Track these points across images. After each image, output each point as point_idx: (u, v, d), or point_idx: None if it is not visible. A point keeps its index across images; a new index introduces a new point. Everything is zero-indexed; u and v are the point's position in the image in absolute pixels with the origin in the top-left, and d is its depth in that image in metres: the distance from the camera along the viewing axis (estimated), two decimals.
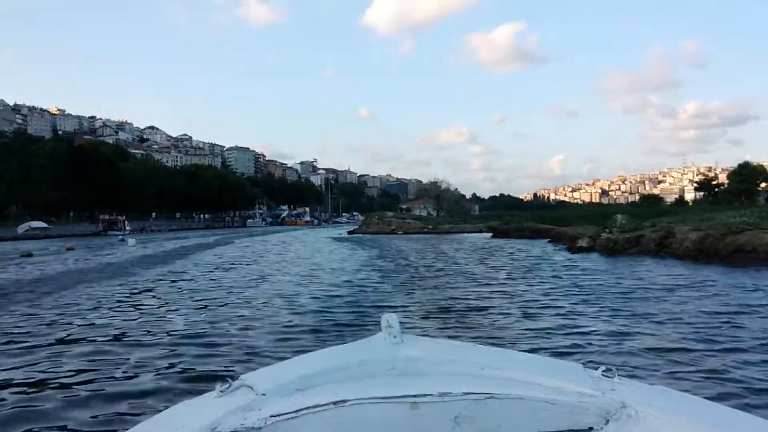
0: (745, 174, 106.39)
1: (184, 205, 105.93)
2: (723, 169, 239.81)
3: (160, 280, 16.36)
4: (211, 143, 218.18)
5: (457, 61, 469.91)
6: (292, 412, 1.35)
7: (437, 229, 58.91)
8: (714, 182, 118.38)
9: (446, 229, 58.82)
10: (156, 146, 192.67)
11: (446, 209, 69.23)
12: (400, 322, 1.77)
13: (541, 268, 18.71)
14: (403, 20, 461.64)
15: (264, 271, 18.55)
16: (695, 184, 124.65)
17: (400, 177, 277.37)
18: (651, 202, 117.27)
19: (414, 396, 1.40)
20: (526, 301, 10.96)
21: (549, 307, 10.15)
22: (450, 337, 7.27)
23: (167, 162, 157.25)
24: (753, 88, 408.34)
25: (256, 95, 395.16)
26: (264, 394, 1.44)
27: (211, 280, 15.99)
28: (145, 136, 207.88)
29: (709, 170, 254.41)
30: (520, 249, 29.42)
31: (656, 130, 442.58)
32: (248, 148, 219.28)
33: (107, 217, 75.81)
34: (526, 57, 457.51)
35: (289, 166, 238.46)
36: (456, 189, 74.74)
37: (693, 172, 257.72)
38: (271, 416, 1.34)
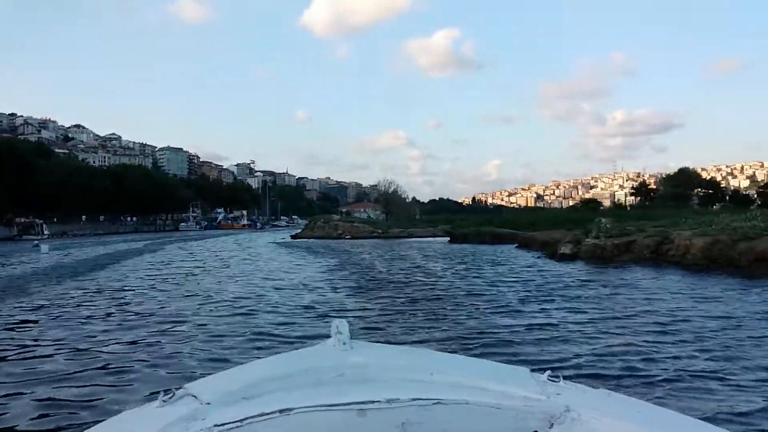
0: (681, 179, 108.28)
1: (111, 207, 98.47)
2: (650, 175, 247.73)
3: (57, 302, 12.14)
4: (142, 143, 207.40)
5: (394, 65, 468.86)
6: (237, 422, 1.31)
7: (388, 234, 55.48)
8: (649, 187, 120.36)
9: (397, 234, 55.46)
10: (82, 146, 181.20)
11: (396, 213, 65.94)
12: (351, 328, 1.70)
13: (553, 286, 15.39)
14: (340, 23, 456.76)
15: (200, 289, 14.55)
16: (632, 189, 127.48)
17: (339, 180, 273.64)
18: (591, 206, 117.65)
19: (361, 403, 1.38)
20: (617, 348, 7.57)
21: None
22: None
23: (94, 162, 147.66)
24: (677, 98, 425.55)
25: (189, 95, 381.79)
26: (208, 403, 1.40)
27: (122, 306, 11.86)
28: (70, 135, 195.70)
29: (638, 176, 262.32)
30: (496, 257, 26.18)
31: (587, 136, 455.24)
32: (181, 149, 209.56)
33: (23, 220, 68.79)
34: (463, 63, 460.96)
35: (225, 167, 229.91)
36: (405, 193, 71.42)
37: (623, 177, 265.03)
38: (215, 426, 1.30)
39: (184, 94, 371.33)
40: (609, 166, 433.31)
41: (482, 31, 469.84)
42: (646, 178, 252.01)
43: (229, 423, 1.30)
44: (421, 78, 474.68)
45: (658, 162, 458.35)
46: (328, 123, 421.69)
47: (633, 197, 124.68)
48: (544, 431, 1.43)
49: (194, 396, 1.46)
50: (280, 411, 1.34)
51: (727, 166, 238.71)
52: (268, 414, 1.33)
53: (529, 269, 20.06)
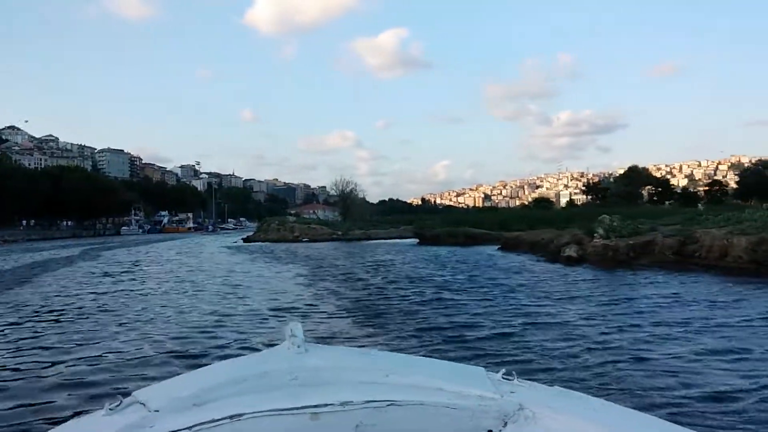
0: (632, 177, 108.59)
1: (49, 211, 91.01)
2: (594, 175, 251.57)
3: None
4: (81, 145, 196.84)
5: (342, 65, 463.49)
6: (186, 429, 1.28)
7: (348, 236, 51.68)
8: (600, 186, 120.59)
9: (358, 236, 51.73)
10: (17, 147, 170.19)
11: (354, 214, 62.00)
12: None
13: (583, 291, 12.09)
14: (286, 22, 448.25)
15: (142, 314, 10.56)
16: (582, 188, 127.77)
17: (287, 181, 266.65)
18: (543, 205, 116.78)
19: (315, 406, 1.37)
20: None
21: None
22: None
23: (30, 165, 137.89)
24: (620, 100, 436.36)
25: (130, 95, 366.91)
26: (157, 411, 1.36)
27: (35, 340, 7.84)
28: (3, 137, 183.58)
29: (582, 175, 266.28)
30: (493, 262, 22.81)
31: (534, 137, 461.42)
32: (122, 151, 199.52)
33: None
34: (411, 63, 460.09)
35: (168, 169, 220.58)
36: (364, 192, 67.17)
37: (567, 177, 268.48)
38: None
39: (125, 94, 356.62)
40: (555, 166, 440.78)
41: (430, 31, 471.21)
42: (590, 178, 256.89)
43: (178, 430, 1.27)
44: (369, 78, 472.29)
45: (602, 162, 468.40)
46: (275, 123, 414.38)
47: (584, 195, 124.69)
48: (498, 430, 1.41)
49: (142, 403, 1.39)
50: (231, 417, 1.31)
51: (666, 166, 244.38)
52: (218, 420, 1.30)
53: (550, 276, 16.78)
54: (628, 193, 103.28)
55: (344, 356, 1.79)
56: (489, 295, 12.90)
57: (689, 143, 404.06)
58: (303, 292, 14.37)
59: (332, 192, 64.85)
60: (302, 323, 1.73)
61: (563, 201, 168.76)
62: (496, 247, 31.89)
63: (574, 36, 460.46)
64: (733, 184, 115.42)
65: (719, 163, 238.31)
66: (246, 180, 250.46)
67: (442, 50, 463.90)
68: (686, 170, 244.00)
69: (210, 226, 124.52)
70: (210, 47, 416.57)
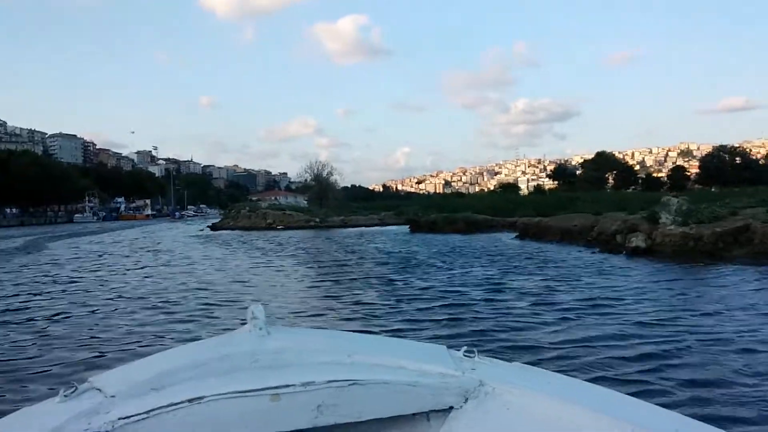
0: (600, 162, 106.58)
1: None
2: (550, 161, 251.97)
3: None
4: (31, 129, 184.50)
5: (301, 51, 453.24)
6: (144, 413, 1.24)
7: (327, 223, 46.64)
8: (569, 171, 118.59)
9: (339, 223, 46.75)
10: None
11: (332, 199, 56.63)
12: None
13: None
14: (244, 5, 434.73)
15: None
16: (549, 173, 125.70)
17: (248, 168, 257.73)
18: (510, 191, 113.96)
19: (276, 387, 1.34)
20: None
21: None
22: None
23: None
24: (576, 88, 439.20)
25: (84, 79, 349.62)
26: (113, 396, 1.31)
27: None
28: None
29: (539, 162, 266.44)
30: (524, 252, 18.30)
31: (492, 124, 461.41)
32: (75, 136, 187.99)
33: None
34: (371, 50, 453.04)
35: (124, 155, 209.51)
36: (336, 178, 61.53)
37: (525, 164, 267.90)
38: (120, 419, 1.23)
39: (78, 78, 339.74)
40: (513, 153, 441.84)
41: (390, 18, 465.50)
42: (546, 164, 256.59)
43: (135, 415, 1.24)
44: (329, 64, 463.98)
45: (558, 149, 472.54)
46: (234, 109, 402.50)
47: (552, 181, 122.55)
48: (459, 406, 1.43)
49: (98, 389, 1.34)
50: (190, 400, 1.28)
51: (619, 153, 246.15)
52: (176, 404, 1.27)
53: (656, 278, 12.32)
54: (596, 179, 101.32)
55: (307, 337, 1.72)
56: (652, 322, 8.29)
57: (641, 130, 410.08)
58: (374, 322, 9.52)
59: (307, 176, 58.74)
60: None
61: (523, 187, 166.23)
62: (512, 235, 27.51)
63: (531, 25, 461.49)
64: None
65: (669, 150, 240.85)
66: (205, 166, 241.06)
67: (402, 38, 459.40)
68: (638, 157, 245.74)
69: (177, 213, 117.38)
70: (166, 31, 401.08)
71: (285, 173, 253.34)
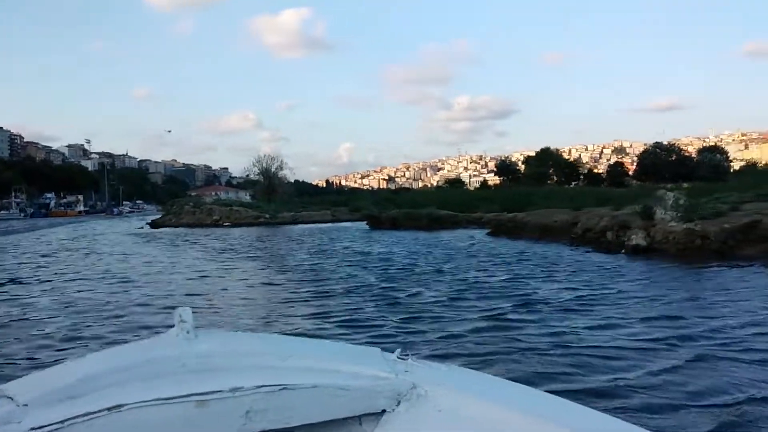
0: (544, 158, 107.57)
1: None
2: (491, 158, 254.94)
3: None
4: None
5: (242, 43, 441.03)
6: (58, 423, 1.17)
7: (277, 219, 44.02)
8: (513, 167, 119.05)
9: (290, 219, 44.21)
10: None
11: (281, 195, 53.63)
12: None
13: None
14: None
15: None
16: (491, 169, 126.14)
17: (186, 162, 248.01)
18: (456, 186, 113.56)
19: (202, 394, 1.28)
20: None
21: None
22: None
23: None
24: (515, 86, 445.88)
25: (10, 70, 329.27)
26: (26, 405, 1.22)
27: None
28: None
29: (480, 158, 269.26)
30: (505, 253, 16.66)
31: (435, 120, 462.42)
32: (1, 128, 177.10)
33: None
34: (313, 44, 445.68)
35: (54, 149, 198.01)
36: (293, 169, 58.22)
37: (467, 160, 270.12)
38: (32, 429, 1.15)
39: (3, 68, 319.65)
40: (455, 149, 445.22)
41: (332, 12, 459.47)
42: (487, 160, 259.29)
43: (49, 425, 1.16)
44: (270, 57, 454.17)
45: (498, 145, 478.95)
46: (172, 102, 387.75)
47: (496, 177, 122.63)
48: (391, 409, 1.40)
49: (10, 398, 1.26)
50: (109, 409, 1.21)
51: (554, 149, 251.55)
52: (93, 413, 1.19)
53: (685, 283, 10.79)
54: (540, 174, 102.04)
55: (238, 341, 1.64)
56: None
57: (577, 128, 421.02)
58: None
59: (255, 169, 55.31)
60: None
61: (466, 182, 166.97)
62: (481, 232, 25.93)
63: (472, 22, 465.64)
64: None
65: (604, 147, 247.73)
66: (141, 161, 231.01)
67: (344, 32, 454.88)
68: (575, 154, 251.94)
69: (115, 209, 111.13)
70: (100, 20, 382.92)
71: (226, 168, 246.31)
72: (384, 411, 1.41)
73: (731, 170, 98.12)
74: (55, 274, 14.52)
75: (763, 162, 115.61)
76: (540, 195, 39.71)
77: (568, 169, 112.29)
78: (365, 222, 36.83)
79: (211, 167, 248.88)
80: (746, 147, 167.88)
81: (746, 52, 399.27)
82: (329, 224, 40.74)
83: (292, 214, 45.50)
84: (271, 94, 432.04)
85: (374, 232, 30.27)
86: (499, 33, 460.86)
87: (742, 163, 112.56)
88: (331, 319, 7.95)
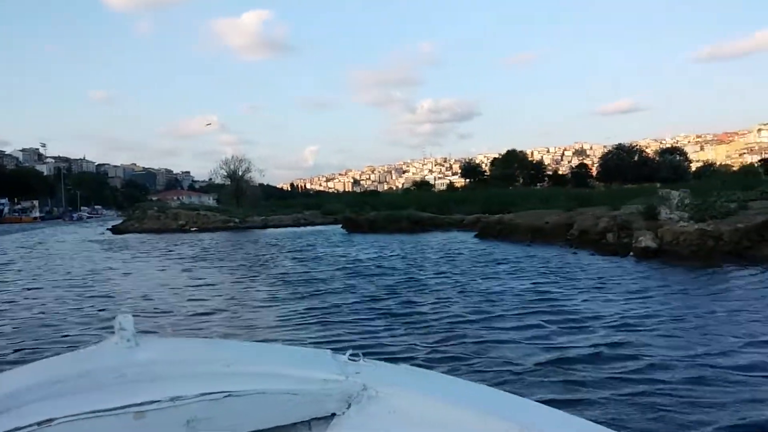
0: (511, 160, 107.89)
1: None
2: (456, 160, 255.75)
3: None
4: None
5: (203, 45, 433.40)
6: None
7: (247, 223, 42.23)
8: (479, 169, 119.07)
9: (259, 223, 42.45)
10: None
11: (249, 198, 51.46)
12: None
13: None
14: None
15: None
16: (456, 171, 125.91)
17: (147, 167, 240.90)
18: (423, 188, 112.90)
19: (140, 404, 1.22)
20: None
21: None
22: None
23: None
24: (478, 89, 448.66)
25: None
26: None
27: None
28: None
29: (445, 160, 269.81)
30: (526, 258, 15.62)
31: (399, 123, 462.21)
32: None
33: None
34: (276, 46, 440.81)
35: (7, 153, 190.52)
36: (263, 172, 56.05)
37: (431, 162, 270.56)
38: None
39: None
40: (419, 151, 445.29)
41: (296, 14, 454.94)
42: (452, 163, 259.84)
43: None
44: (232, 60, 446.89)
45: (462, 148, 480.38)
46: (131, 105, 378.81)
47: (463, 179, 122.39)
48: (342, 412, 1.37)
49: None
50: (39, 423, 1.15)
51: (520, 151, 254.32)
52: (23, 428, 1.14)
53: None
54: (507, 176, 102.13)
55: (182, 348, 1.61)
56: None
57: (539, 130, 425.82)
58: None
59: (223, 172, 52.90)
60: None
61: (433, 185, 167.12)
62: (467, 234, 24.88)
63: (435, 25, 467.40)
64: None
65: (565, 149, 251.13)
66: (99, 165, 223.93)
67: (307, 35, 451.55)
68: (537, 156, 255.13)
69: (74, 215, 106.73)
70: (56, 21, 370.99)
71: (188, 172, 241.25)
72: (334, 414, 1.36)
73: (690, 171, 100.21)
74: (5, 282, 12.81)
75: (719, 163, 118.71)
76: (516, 196, 39.04)
77: (534, 170, 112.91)
78: (341, 225, 35.49)
79: (172, 171, 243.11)
80: (702, 148, 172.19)
81: (699, 57, 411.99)
82: (302, 228, 39.23)
83: (262, 218, 43.73)
84: (235, 97, 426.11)
85: (353, 235, 28.94)
86: (461, 37, 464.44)
87: (699, 164, 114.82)
88: (343, 345, 6.67)
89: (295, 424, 1.36)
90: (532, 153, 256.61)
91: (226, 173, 52.08)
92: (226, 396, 1.28)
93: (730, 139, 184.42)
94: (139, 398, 1.22)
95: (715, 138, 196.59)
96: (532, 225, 20.70)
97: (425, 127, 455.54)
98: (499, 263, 14.63)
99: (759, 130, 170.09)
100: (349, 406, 1.37)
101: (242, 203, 49.15)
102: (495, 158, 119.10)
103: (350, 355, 1.54)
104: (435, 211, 34.11)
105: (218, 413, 1.27)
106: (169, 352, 1.49)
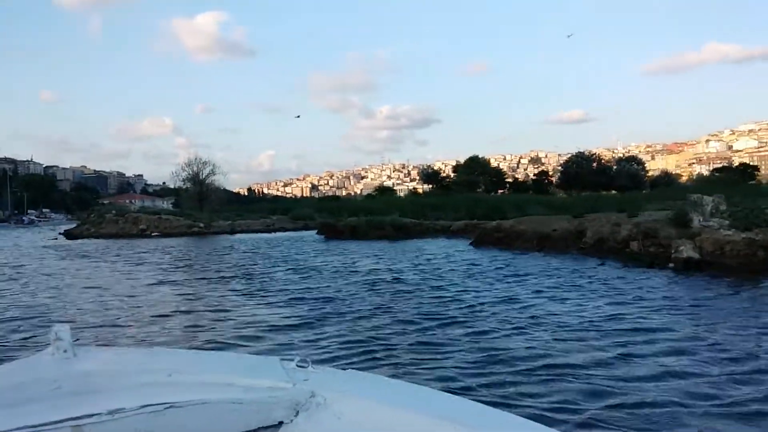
0: (473, 166, 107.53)
1: None
2: (414, 167, 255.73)
3: None
4: None
5: (157, 46, 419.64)
6: None
7: (212, 228, 39.59)
8: (441, 175, 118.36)
9: (226, 228, 39.87)
10: None
11: (214, 202, 48.35)
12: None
13: None
14: None
15: None
16: (423, 176, 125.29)
17: (98, 169, 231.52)
18: (387, 194, 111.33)
19: (78, 418, 1.16)
20: None
21: None
22: None
23: None
24: (436, 95, 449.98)
25: None
26: None
27: None
28: None
29: (403, 167, 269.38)
30: (555, 271, 14.00)
31: (357, 129, 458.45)
32: None
33: None
34: (233, 48, 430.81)
35: None
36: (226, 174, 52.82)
37: (390, 168, 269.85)
38: None
39: None
40: (378, 157, 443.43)
41: (252, 16, 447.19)
42: (410, 169, 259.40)
43: None
44: (187, 61, 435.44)
45: (419, 154, 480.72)
46: (81, 106, 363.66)
47: (426, 185, 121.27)
48: (289, 420, 1.33)
49: None
50: None
51: (482, 158, 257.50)
52: None
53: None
54: (470, 182, 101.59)
55: (122, 358, 1.54)
56: None
57: (495, 138, 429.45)
58: None
59: (184, 174, 49.63)
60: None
61: (397, 191, 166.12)
62: (458, 241, 23.23)
63: (393, 31, 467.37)
64: (533, 176, 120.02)
65: (521, 157, 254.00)
66: (48, 167, 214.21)
67: (265, 38, 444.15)
68: (494, 163, 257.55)
69: (25, 218, 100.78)
70: (1, 17, 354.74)
71: (140, 175, 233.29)
72: (281, 423, 1.32)
73: (647, 179, 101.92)
74: None
75: (671, 172, 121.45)
76: (502, 202, 37.85)
77: (495, 177, 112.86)
78: (316, 231, 33.39)
79: (124, 174, 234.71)
80: (653, 158, 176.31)
81: (650, 69, 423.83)
82: (273, 234, 36.89)
83: (229, 223, 41.10)
84: (189, 99, 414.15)
85: (334, 242, 26.90)
86: (418, 44, 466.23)
87: (650, 173, 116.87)
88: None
89: None
90: (489, 160, 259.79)
91: (188, 175, 49.11)
92: (167, 407, 1.22)
93: (680, 149, 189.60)
94: (76, 411, 1.15)
95: (665, 148, 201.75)
96: (538, 232, 19.14)
97: (383, 133, 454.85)
98: (526, 277, 12.92)
99: (707, 140, 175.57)
100: (297, 413, 1.31)
101: (205, 207, 46.25)
102: (457, 165, 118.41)
103: (298, 361, 1.48)
104: (411, 218, 32.45)
105: (160, 425, 1.20)
106: (108, 362, 1.40)
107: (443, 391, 1.53)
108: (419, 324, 7.91)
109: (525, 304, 9.30)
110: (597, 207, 29.96)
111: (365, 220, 28.82)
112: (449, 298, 10.17)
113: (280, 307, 9.79)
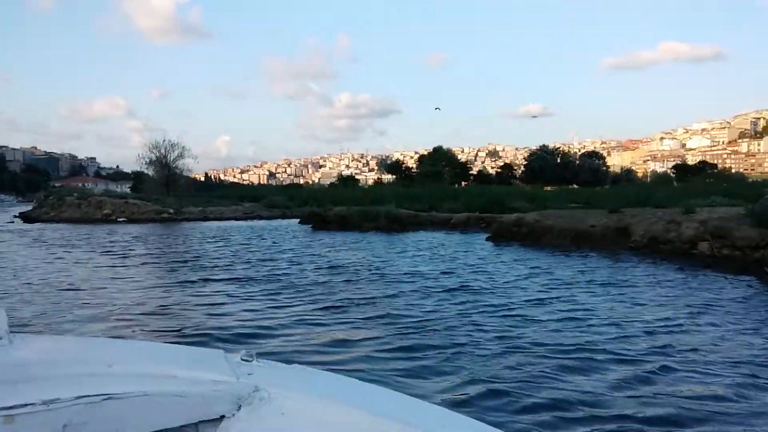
0: (438, 158, 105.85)
1: None
2: (372, 156, 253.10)
3: None
4: None
5: (109, 25, 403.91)
6: None
7: (182, 215, 36.23)
8: (404, 165, 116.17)
9: (198, 215, 36.56)
10: None
11: (182, 187, 44.57)
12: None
13: None
14: None
15: None
16: (384, 167, 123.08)
17: (48, 150, 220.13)
18: (349, 184, 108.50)
19: (10, 408, 1.13)
20: None
21: None
22: None
23: None
24: (395, 86, 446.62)
25: None
26: None
27: None
28: None
29: (362, 156, 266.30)
30: (608, 275, 11.81)
31: (316, 117, 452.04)
32: None
33: None
34: (189, 30, 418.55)
35: None
36: (196, 158, 48.53)
37: (348, 157, 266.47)
38: None
39: None
40: (337, 146, 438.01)
41: None
42: (369, 159, 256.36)
43: None
44: (142, 42, 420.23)
45: (378, 144, 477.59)
46: (30, 85, 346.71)
47: (387, 175, 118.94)
48: (231, 414, 1.30)
49: None
50: None
51: (448, 149, 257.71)
52: None
53: None
54: (434, 173, 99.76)
55: (60, 347, 1.51)
56: None
57: (452, 130, 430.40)
58: None
59: (151, 156, 45.34)
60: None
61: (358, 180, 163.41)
62: (474, 236, 20.95)
63: (353, 18, 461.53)
64: (491, 169, 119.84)
65: (479, 150, 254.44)
66: None
67: (222, 20, 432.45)
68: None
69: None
70: None
71: (93, 158, 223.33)
72: (223, 417, 1.29)
73: (609, 175, 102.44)
74: None
75: (627, 167, 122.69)
76: (501, 193, 35.86)
77: (460, 169, 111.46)
78: (299, 221, 30.65)
79: (77, 156, 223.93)
80: (609, 154, 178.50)
81: (606, 66, 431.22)
82: (251, 222, 33.91)
83: (200, 209, 37.77)
84: (143, 81, 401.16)
85: (323, 233, 24.27)
86: (379, 31, 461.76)
87: (611, 170, 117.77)
88: None
89: (182, 426, 1.26)
90: (455, 152, 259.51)
91: (155, 157, 45.06)
92: (105, 399, 1.19)
93: (635, 146, 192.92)
94: (9, 401, 1.12)
95: (620, 145, 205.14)
96: (575, 228, 17.01)
97: (342, 122, 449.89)
98: (592, 284, 10.71)
99: (661, 138, 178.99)
100: (240, 408, 1.29)
101: (172, 193, 42.48)
102: (422, 155, 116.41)
103: (243, 355, 1.45)
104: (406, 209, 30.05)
105: (97, 417, 1.17)
106: (46, 351, 1.38)
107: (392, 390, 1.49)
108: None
109: (675, 345, 7.06)
110: (591, 201, 28.35)
111: (357, 211, 26.21)
112: (495, 301, 7.85)
113: (347, 324, 7.28)
